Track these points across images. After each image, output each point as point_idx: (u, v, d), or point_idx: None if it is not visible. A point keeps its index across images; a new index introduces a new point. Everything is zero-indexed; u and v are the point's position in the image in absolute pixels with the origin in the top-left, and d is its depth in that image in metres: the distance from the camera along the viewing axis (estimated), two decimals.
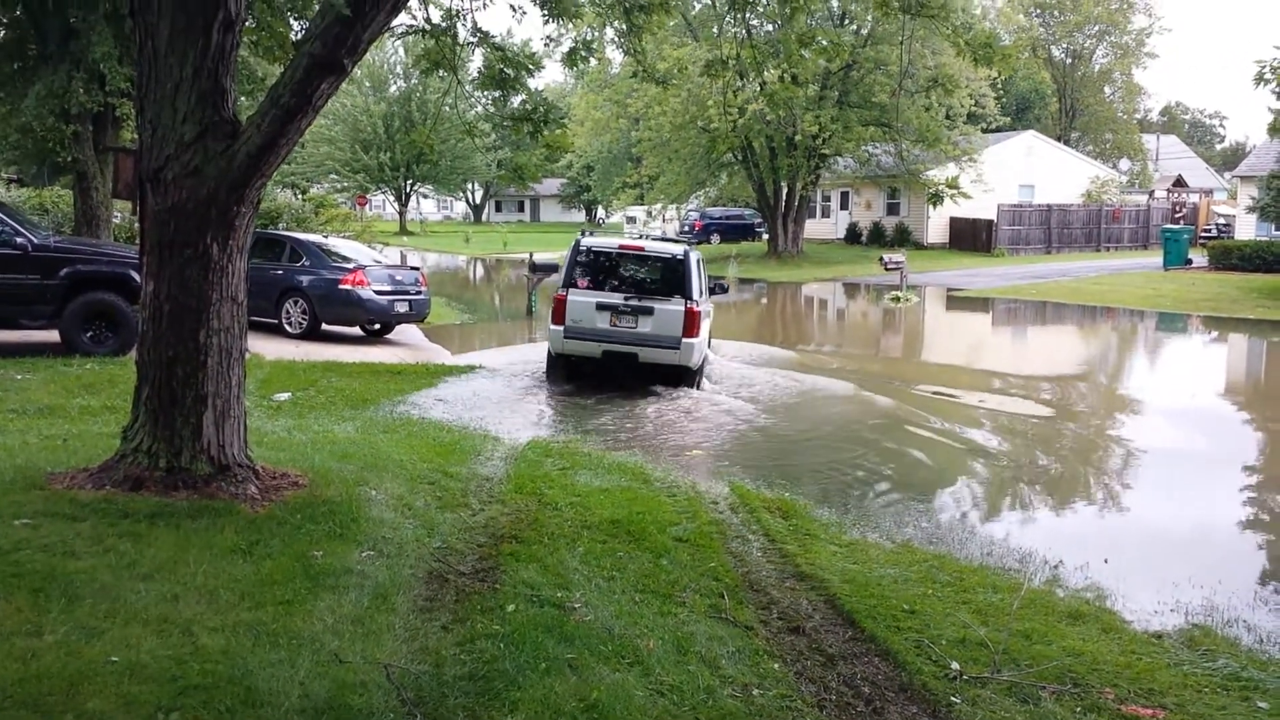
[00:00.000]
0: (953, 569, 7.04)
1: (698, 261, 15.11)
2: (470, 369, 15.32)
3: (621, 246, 15.47)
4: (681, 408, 13.32)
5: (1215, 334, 22.92)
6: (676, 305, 14.04)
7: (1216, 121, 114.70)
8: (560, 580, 5.86)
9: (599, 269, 15.09)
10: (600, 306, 14.21)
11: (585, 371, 14.58)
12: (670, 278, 14.62)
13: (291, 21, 13.23)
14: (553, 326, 14.50)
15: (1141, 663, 5.48)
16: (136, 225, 9.07)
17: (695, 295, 14.20)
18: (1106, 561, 7.40)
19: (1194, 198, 53.45)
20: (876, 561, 7.10)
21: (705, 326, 14.99)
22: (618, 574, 6.16)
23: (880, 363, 19.17)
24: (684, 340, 13.98)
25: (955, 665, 5.26)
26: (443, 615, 5.23)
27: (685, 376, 14.26)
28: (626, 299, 14.28)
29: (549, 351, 14.78)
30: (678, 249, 15.00)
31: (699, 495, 8.52)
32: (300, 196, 47.23)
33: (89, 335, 13.10)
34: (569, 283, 14.58)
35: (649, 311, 14.09)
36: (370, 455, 8.49)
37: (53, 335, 13.20)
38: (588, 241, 15.25)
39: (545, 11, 7.95)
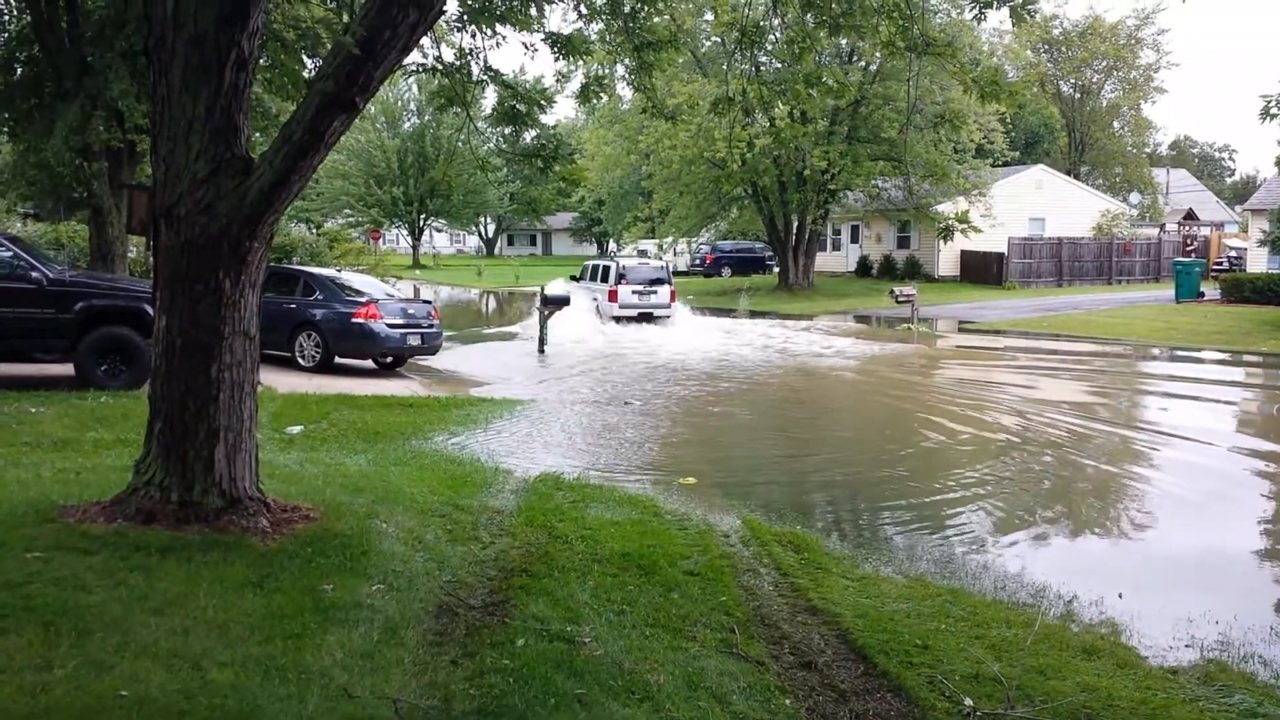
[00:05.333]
0: (966, 603, 6.99)
1: (670, 267, 33.31)
2: (482, 401, 15.36)
3: (639, 264, 32.42)
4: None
5: (1229, 367, 22.81)
6: (665, 289, 30.51)
7: (1226, 155, 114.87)
8: (570, 614, 5.84)
9: (631, 274, 30.46)
10: (634, 291, 29.87)
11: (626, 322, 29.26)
12: (660, 276, 31.01)
13: (305, 59, 13.41)
14: (609, 304, 29.62)
15: (1157, 699, 5.42)
16: (151, 260, 9.15)
17: (670, 283, 30.98)
18: (1121, 596, 7.35)
19: (1205, 231, 53.37)
20: (889, 596, 7.06)
21: (674, 295, 31.06)
22: (628, 608, 6.14)
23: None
24: (671, 304, 30.57)
25: (969, 701, 5.22)
26: (452, 649, 5.22)
27: (668, 319, 30.05)
28: (644, 287, 30.09)
29: (609, 316, 29.34)
30: (662, 264, 33.02)
31: (710, 528, 8.50)
32: (315, 231, 47.63)
33: (103, 369, 13.18)
34: (617, 282, 29.94)
35: (654, 292, 30.22)
36: (381, 488, 8.50)
37: (67, 369, 13.28)
38: (622, 261, 32.18)
39: (555, 50, 8.05)
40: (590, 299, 30.14)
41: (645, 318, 29.67)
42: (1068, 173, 57.54)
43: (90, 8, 16.34)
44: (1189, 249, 47.67)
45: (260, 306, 7.05)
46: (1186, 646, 6.51)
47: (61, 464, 8.74)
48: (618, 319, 29.17)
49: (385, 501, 7.97)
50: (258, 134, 16.55)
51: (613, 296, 29.37)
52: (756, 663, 5.57)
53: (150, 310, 9.38)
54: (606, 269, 31.47)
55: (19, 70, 17.00)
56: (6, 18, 16.69)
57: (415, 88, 67.85)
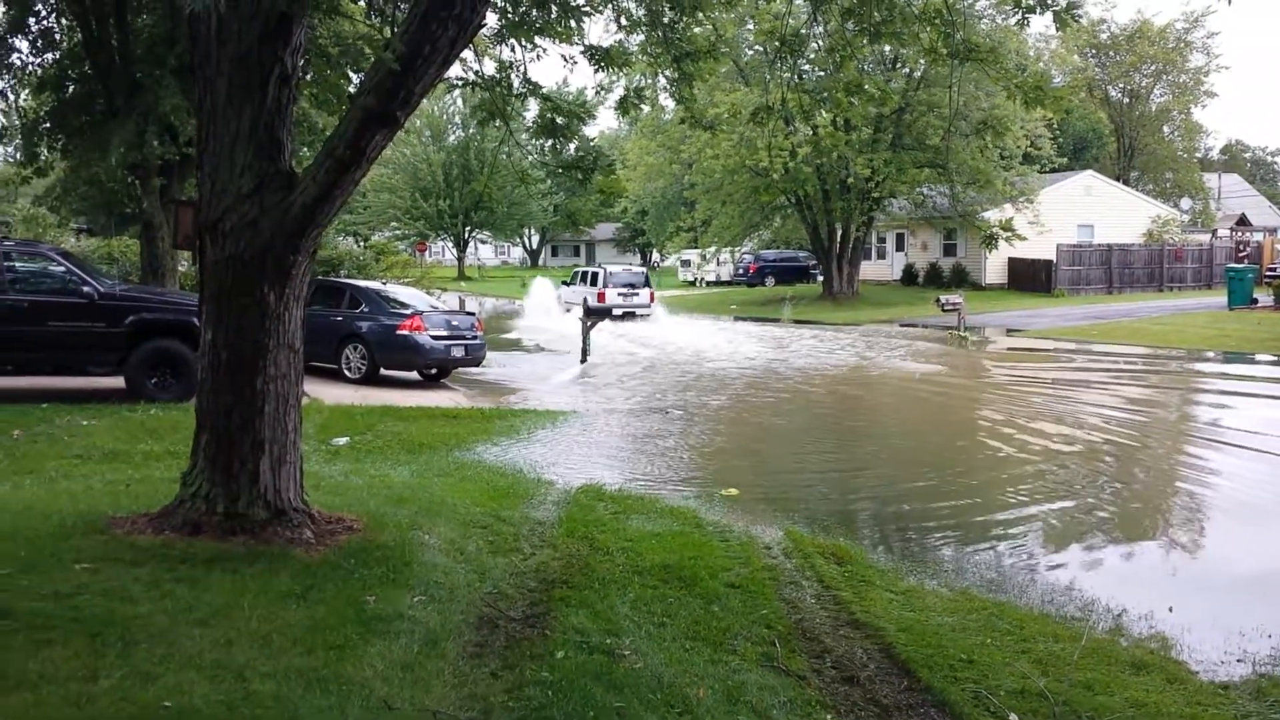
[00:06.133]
0: (1013, 617, 6.90)
1: (648, 273, 40.95)
2: (525, 412, 15.42)
3: (623, 269, 39.45)
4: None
5: None
6: (645, 290, 36.88)
7: (1279, 159, 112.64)
8: (610, 626, 5.83)
9: (615, 279, 36.75)
10: (619, 293, 35.66)
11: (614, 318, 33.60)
12: (641, 280, 37.75)
13: (350, 73, 13.56)
14: (598, 304, 34.37)
15: (1207, 714, 5.32)
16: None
17: (651, 286, 37.75)
18: (1171, 610, 7.21)
19: (1258, 236, 52.39)
20: (934, 609, 6.97)
21: (653, 297, 37.13)
22: (668, 620, 6.12)
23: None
24: (651, 304, 36.14)
25: (1014, 717, 5.14)
26: (492, 661, 5.22)
27: (649, 316, 33.23)
28: (628, 289, 36.22)
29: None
30: (642, 269, 41.93)
31: (752, 540, 8.45)
32: (362, 244, 48.19)
33: (153, 381, 13.37)
34: (604, 286, 35.99)
35: (636, 293, 36.25)
36: (425, 499, 8.55)
37: (118, 381, 13.48)
38: (608, 267, 39.01)
39: (594, 62, 8.06)
40: (581, 300, 36.30)
41: (629, 315, 35.45)
42: (1117, 178, 56.79)
43: (139, 26, 16.65)
44: (1242, 255, 46.83)
45: (305, 319, 7.13)
46: (1238, 661, 6.36)
47: (111, 476, 8.88)
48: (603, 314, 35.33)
49: (428, 513, 8.00)
50: (304, 148, 16.76)
51: (601, 298, 35.50)
52: (798, 677, 5.52)
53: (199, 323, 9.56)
54: (595, 274, 38.03)
55: (70, 88, 17.33)
56: (58, 36, 17.02)
57: (460, 101, 68.39)
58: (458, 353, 18.67)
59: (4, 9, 15.54)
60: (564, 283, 41.22)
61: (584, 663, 5.19)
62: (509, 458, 11.76)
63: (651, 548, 7.71)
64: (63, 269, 13.35)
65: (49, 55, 17.11)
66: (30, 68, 17.12)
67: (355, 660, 4.88)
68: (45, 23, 16.64)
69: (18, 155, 18.97)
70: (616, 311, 34.83)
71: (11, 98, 17.67)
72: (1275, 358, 23.95)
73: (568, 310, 35.87)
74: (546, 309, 37.19)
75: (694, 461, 12.70)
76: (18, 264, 13.35)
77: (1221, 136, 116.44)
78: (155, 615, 5.16)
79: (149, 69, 16.03)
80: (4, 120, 19.10)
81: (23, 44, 16.38)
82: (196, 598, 5.45)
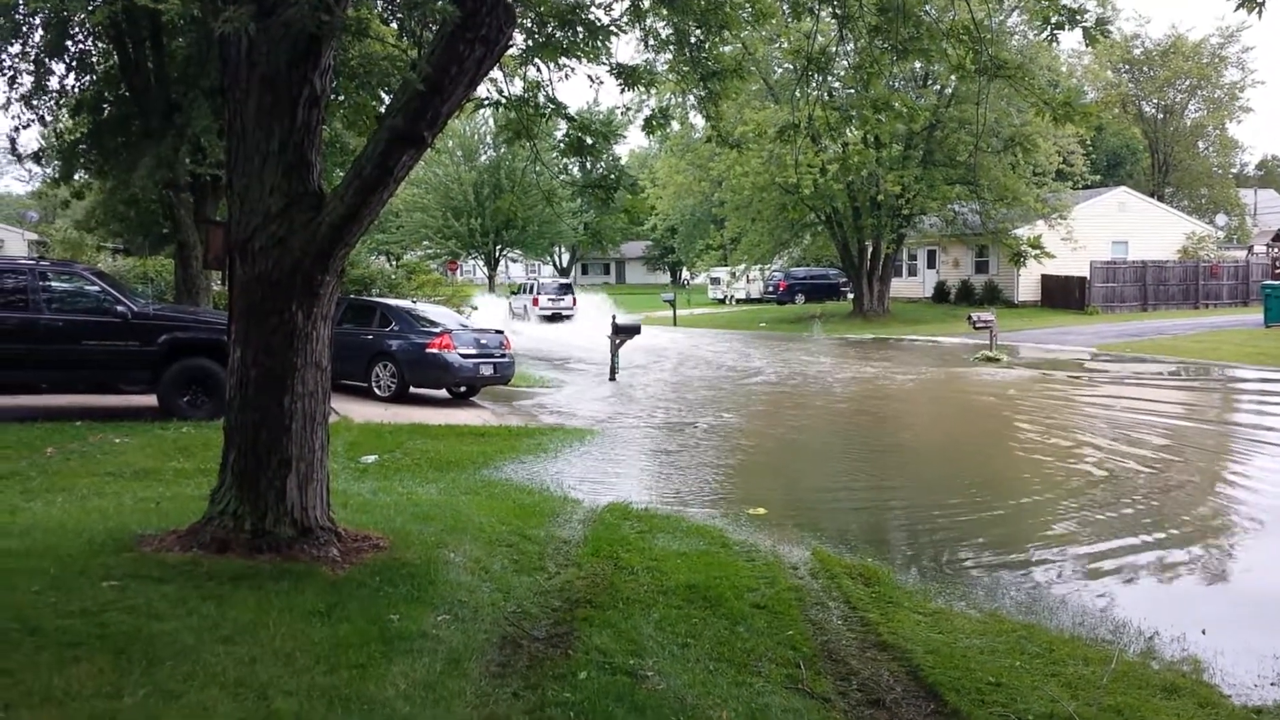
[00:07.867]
0: (1042, 639, 6.81)
1: (574, 283, 59.18)
2: (553, 429, 15.43)
3: (552, 280, 56.40)
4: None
5: None
6: (569, 297, 47.23)
7: None
8: (634, 647, 5.81)
9: (545, 288, 48.42)
10: (549, 299, 46.48)
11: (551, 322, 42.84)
12: (566, 290, 48.53)
13: (382, 94, 13.66)
14: (533, 307, 45.70)
15: None
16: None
17: (574, 293, 48.23)
18: (1205, 633, 7.09)
19: None
20: (962, 631, 6.90)
21: (576, 302, 46.78)
22: (692, 641, 6.09)
23: None
24: (574, 307, 45.76)
25: None
26: (514, 681, 5.21)
27: (572, 318, 39.36)
28: (556, 295, 47.11)
29: (535, 316, 44.59)
30: (568, 280, 61.92)
31: (778, 559, 8.40)
32: (395, 263, 48.75)
33: (185, 399, 13.50)
34: (538, 294, 47.27)
35: (562, 299, 46.71)
36: (451, 517, 8.57)
37: (151, 400, 13.62)
38: (541, 280, 55.79)
39: (620, 81, 8.09)
40: (521, 305, 46.95)
41: (557, 317, 44.91)
42: (1151, 194, 56.28)
43: (174, 48, 16.86)
44: (1278, 271, 46.28)
45: (335, 338, 7.17)
46: (1272, 684, 6.26)
47: (142, 493, 8.96)
48: (540, 317, 44.92)
49: (454, 531, 8.02)
50: (336, 169, 16.88)
51: (535, 303, 46.38)
52: (823, 700, 5.47)
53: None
54: (533, 285, 50.25)
55: (107, 110, 17.57)
56: (95, 59, 17.26)
57: (490, 120, 68.70)
58: (487, 371, 18.73)
59: (42, 33, 15.77)
60: (512, 293, 52.15)
61: (607, 684, 5.17)
62: (536, 475, 11.77)
63: (677, 567, 7.69)
64: (97, 289, 13.52)
65: (86, 78, 17.34)
66: (69, 90, 17.37)
67: (377, 679, 4.88)
68: (82, 46, 16.87)
69: (54, 174, 19.21)
70: (547, 313, 45.56)
71: (49, 119, 17.90)
72: None
73: (514, 315, 43.97)
74: (498, 314, 40.59)
75: (722, 479, 12.66)
76: (54, 284, 13.54)
77: (1257, 152, 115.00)
78: (180, 632, 5.19)
79: (184, 89, 16.24)
80: (42, 141, 19.37)
81: (60, 67, 16.61)
82: (222, 615, 5.48)
